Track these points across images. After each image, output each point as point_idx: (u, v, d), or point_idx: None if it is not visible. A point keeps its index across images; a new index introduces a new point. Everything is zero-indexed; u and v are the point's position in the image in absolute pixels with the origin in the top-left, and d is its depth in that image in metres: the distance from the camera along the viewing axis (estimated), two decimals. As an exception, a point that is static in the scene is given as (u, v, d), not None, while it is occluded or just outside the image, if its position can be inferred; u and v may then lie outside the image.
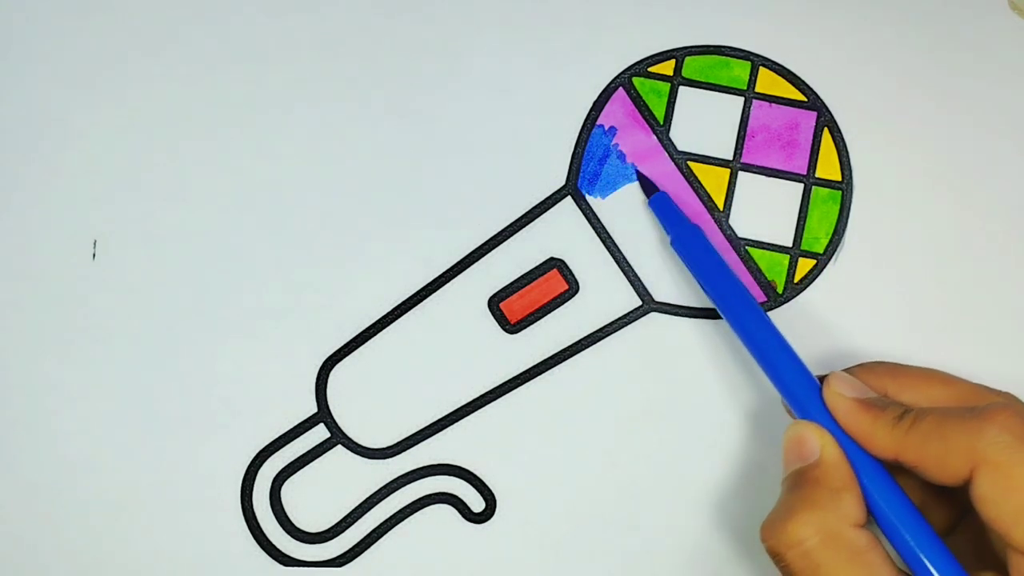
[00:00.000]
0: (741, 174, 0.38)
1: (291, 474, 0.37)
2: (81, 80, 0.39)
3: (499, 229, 0.38)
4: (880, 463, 0.30)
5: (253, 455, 0.37)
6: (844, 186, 0.37)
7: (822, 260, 0.37)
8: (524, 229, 0.38)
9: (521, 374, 0.37)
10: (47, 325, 0.38)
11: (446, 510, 0.37)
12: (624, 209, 0.38)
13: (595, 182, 0.38)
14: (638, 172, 0.37)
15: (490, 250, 0.38)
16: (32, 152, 0.39)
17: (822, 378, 0.32)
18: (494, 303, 0.37)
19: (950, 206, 0.37)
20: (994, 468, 0.28)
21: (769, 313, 0.37)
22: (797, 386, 0.32)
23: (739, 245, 0.37)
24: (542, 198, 0.38)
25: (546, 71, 0.38)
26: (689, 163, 0.38)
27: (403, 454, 0.37)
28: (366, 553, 0.37)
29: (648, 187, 0.37)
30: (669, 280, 0.37)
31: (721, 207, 0.37)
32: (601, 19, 0.38)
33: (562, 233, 0.38)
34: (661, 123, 0.38)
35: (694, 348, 0.37)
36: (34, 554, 0.37)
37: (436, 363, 0.37)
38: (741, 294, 0.34)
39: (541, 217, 0.38)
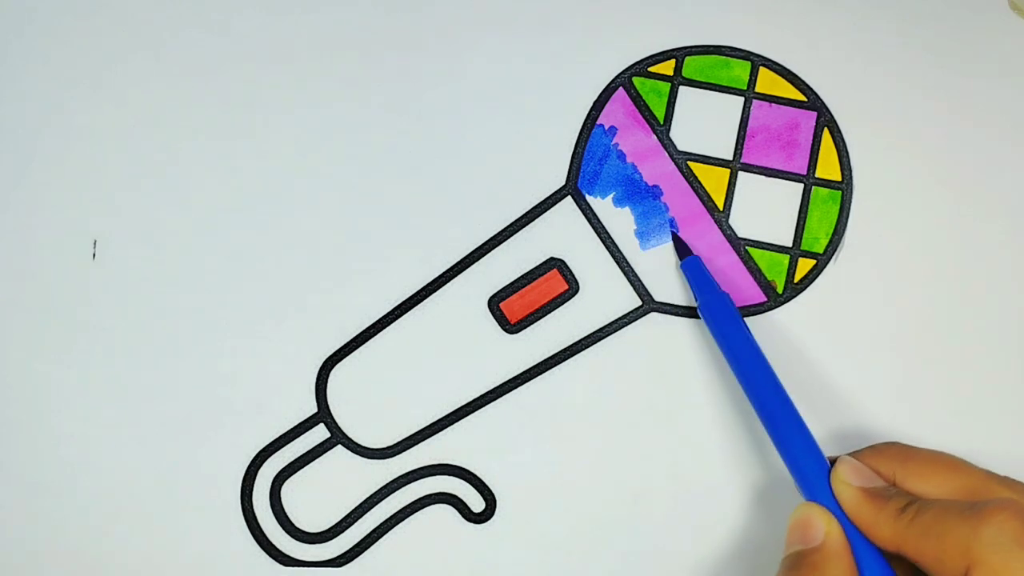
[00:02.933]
0: (741, 174, 0.38)
1: (291, 474, 0.37)
2: (81, 80, 0.39)
3: (499, 229, 0.38)
4: (882, 554, 0.30)
5: (253, 455, 0.37)
6: (844, 186, 0.37)
7: (822, 260, 0.37)
8: (524, 229, 0.38)
9: (521, 374, 0.37)
10: (47, 325, 0.38)
11: (446, 510, 0.37)
12: (624, 209, 0.38)
13: (595, 182, 0.38)
14: (674, 234, 0.37)
15: (490, 250, 0.38)
16: (32, 152, 0.39)
17: (834, 460, 0.32)
18: (494, 303, 0.37)
19: (950, 206, 0.37)
20: (988, 570, 0.27)
21: (768, 313, 0.37)
22: (808, 468, 0.32)
23: (739, 245, 0.37)
24: (542, 198, 0.38)
25: (546, 71, 0.38)
26: (689, 163, 0.38)
27: (403, 454, 0.37)
28: (366, 553, 0.37)
29: (682, 249, 0.37)
30: (669, 280, 0.37)
31: (721, 207, 0.37)
32: (601, 19, 0.38)
33: (562, 233, 0.38)
34: (661, 123, 0.38)
35: (694, 348, 0.37)
36: (34, 554, 0.37)
37: (436, 363, 0.37)
38: (763, 368, 0.33)
39: (541, 217, 0.38)
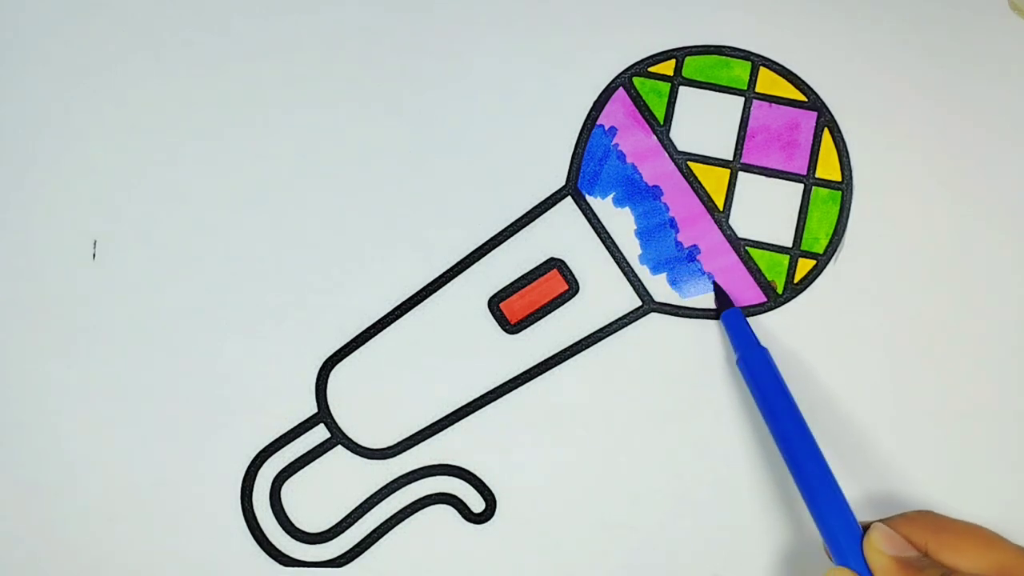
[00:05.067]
0: (741, 174, 0.38)
1: (291, 474, 0.37)
2: (81, 80, 0.39)
3: (499, 229, 0.38)
4: None
5: (253, 455, 0.37)
6: (844, 186, 0.37)
7: (822, 260, 0.37)
8: (524, 229, 0.38)
9: (521, 374, 0.37)
10: (47, 325, 0.38)
11: (446, 510, 0.37)
12: (624, 209, 0.38)
13: (595, 182, 0.38)
14: (716, 284, 0.37)
15: (490, 250, 0.38)
16: (32, 152, 0.39)
17: (866, 526, 0.32)
18: (494, 303, 0.37)
19: (950, 206, 0.37)
20: None
21: (768, 313, 0.37)
22: (840, 532, 0.31)
23: (739, 245, 0.37)
24: (542, 198, 0.38)
25: (546, 71, 0.38)
26: (689, 163, 0.38)
27: (403, 454, 0.37)
28: (366, 553, 0.37)
29: (723, 300, 0.37)
30: (669, 280, 0.37)
31: (721, 207, 0.37)
32: (601, 19, 0.38)
33: (562, 233, 0.38)
34: (661, 123, 0.38)
35: (694, 348, 0.37)
36: (34, 554, 0.37)
37: (436, 363, 0.37)
38: (799, 427, 0.33)
39: (541, 217, 0.38)
